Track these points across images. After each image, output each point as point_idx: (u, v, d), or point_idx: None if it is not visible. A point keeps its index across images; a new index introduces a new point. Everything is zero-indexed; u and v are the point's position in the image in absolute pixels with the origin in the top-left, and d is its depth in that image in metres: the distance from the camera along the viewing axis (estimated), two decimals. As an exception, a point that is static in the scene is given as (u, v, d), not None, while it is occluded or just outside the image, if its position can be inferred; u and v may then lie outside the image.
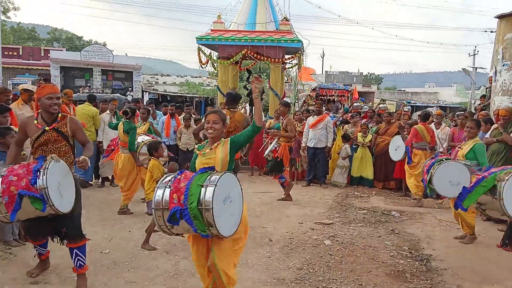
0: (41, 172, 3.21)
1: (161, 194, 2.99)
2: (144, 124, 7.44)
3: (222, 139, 3.34)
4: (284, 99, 11.67)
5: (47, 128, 3.60)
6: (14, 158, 3.70)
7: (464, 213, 5.31)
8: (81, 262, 3.74)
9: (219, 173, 3.05)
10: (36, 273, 3.98)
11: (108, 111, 8.12)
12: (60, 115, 3.69)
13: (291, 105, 9.05)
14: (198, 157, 3.36)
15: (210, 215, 2.82)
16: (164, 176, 3.22)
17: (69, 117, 3.77)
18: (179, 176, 3.09)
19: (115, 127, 6.79)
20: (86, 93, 9.89)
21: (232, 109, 5.48)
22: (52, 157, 3.34)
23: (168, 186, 3.01)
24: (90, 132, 7.64)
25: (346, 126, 9.65)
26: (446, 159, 5.52)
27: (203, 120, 3.75)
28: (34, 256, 4.09)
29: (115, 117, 7.88)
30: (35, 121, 3.60)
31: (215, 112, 3.38)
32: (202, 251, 3.28)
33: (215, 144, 3.31)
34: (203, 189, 2.89)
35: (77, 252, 3.72)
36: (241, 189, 3.19)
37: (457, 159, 5.74)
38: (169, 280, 4.05)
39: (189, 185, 2.95)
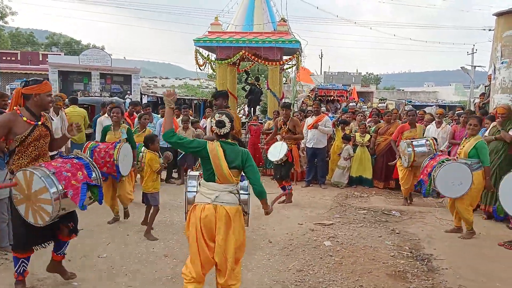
0: (92, 168, 3.64)
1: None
2: (143, 131, 7.23)
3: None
4: (283, 100, 11.65)
5: (39, 123, 3.59)
6: None
7: (461, 208, 5.40)
8: (65, 250, 3.95)
9: None
10: None
11: (106, 115, 8.07)
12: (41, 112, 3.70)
13: (291, 105, 8.96)
14: None
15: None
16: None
17: (47, 116, 3.77)
18: None
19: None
20: (71, 97, 9.84)
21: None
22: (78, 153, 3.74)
23: None
24: (82, 132, 7.85)
25: (351, 124, 9.58)
26: (446, 160, 5.50)
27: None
28: (15, 274, 3.67)
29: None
30: (23, 118, 3.49)
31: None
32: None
33: None
34: None
35: (68, 242, 3.92)
36: None
37: (457, 157, 5.73)
38: (168, 284, 4.00)
39: None
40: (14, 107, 3.54)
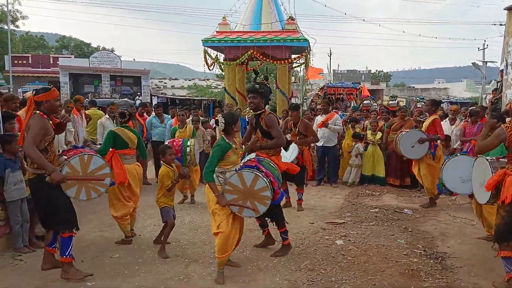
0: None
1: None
2: (185, 128, 7.64)
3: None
4: (292, 99, 11.63)
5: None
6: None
7: (488, 212, 4.90)
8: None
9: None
10: (81, 276, 4.03)
11: (107, 115, 8.16)
12: None
13: (300, 106, 8.85)
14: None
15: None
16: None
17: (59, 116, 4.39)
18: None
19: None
20: (90, 99, 10.10)
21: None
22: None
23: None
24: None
25: (366, 122, 9.50)
26: (460, 154, 5.39)
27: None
28: (65, 256, 4.01)
29: (115, 121, 7.87)
30: (50, 122, 3.99)
31: None
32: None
33: None
34: None
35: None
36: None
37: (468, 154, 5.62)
38: (179, 284, 4.01)
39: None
40: (37, 112, 3.91)
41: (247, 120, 8.43)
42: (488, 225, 5.04)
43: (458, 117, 8.78)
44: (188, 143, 6.52)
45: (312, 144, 8.64)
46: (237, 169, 4.16)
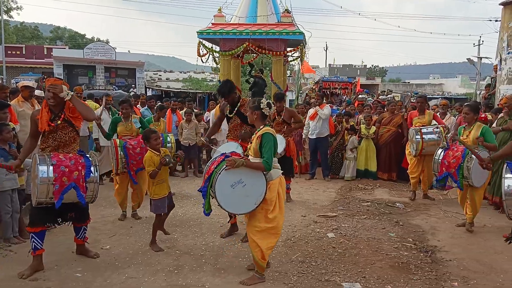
0: (94, 170, 4.01)
1: None
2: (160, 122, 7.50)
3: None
4: (287, 92, 11.60)
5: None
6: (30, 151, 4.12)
7: (478, 197, 5.30)
8: (85, 234, 4.44)
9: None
10: (27, 274, 3.87)
11: (102, 107, 8.10)
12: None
13: (284, 96, 8.64)
14: None
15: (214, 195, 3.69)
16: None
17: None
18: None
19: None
20: (88, 90, 10.08)
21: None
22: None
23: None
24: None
25: (359, 117, 9.50)
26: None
27: None
28: (29, 252, 4.01)
29: (110, 113, 7.82)
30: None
31: None
32: None
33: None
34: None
35: (85, 228, 4.42)
36: (261, 173, 3.72)
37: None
38: (170, 275, 4.01)
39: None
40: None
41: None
42: (475, 208, 5.35)
43: (450, 112, 8.83)
44: (169, 139, 6.47)
45: (303, 136, 8.66)
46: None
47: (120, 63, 26.26)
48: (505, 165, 3.74)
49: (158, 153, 4.67)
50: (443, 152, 5.56)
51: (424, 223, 5.79)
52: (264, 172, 3.75)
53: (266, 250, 3.79)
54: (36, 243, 3.97)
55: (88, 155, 4.11)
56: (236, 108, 5.10)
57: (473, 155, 4.83)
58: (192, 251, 4.61)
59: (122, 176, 5.65)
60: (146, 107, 9.25)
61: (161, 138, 6.37)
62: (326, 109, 8.50)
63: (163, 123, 7.59)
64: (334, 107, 11.65)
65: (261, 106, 3.88)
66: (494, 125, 6.62)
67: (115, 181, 5.84)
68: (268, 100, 3.96)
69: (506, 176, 3.69)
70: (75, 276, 3.94)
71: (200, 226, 5.47)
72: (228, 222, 5.21)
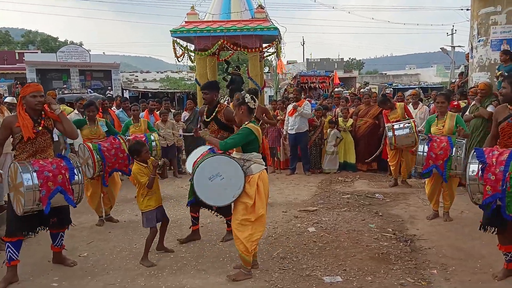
0: (77, 172, 3.94)
1: None
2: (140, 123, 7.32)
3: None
4: (264, 89, 11.58)
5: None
6: None
7: (455, 186, 5.41)
8: (62, 241, 4.32)
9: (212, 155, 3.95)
10: (0, 287, 3.80)
11: (76, 111, 7.97)
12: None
13: (259, 91, 8.57)
14: None
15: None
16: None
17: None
18: None
19: None
20: (60, 94, 9.85)
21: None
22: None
23: None
24: None
25: (337, 110, 9.51)
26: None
27: None
28: (3, 262, 3.89)
29: (84, 116, 7.64)
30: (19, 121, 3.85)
31: None
32: None
33: None
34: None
35: (62, 234, 4.31)
36: (239, 167, 3.76)
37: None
38: (150, 279, 3.94)
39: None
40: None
41: None
42: (452, 195, 5.41)
43: (425, 101, 8.94)
44: (152, 138, 6.43)
45: (284, 133, 8.66)
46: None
47: (95, 65, 25.85)
48: (472, 151, 3.76)
49: (145, 165, 4.39)
50: (426, 145, 5.21)
51: (403, 212, 5.85)
52: (242, 167, 3.78)
53: (246, 242, 3.79)
54: (12, 253, 3.86)
55: (68, 158, 4.03)
56: (214, 113, 4.98)
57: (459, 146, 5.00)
58: (172, 254, 4.54)
59: (94, 181, 5.50)
60: (121, 109, 9.10)
61: (144, 138, 6.31)
62: (307, 107, 8.49)
63: (144, 123, 7.37)
64: (313, 101, 11.69)
65: (246, 100, 3.89)
66: (467, 112, 6.72)
67: (86, 187, 5.47)
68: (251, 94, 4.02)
69: (471, 161, 3.70)
70: (51, 286, 3.83)
71: (180, 227, 5.40)
72: (190, 228, 5.06)
